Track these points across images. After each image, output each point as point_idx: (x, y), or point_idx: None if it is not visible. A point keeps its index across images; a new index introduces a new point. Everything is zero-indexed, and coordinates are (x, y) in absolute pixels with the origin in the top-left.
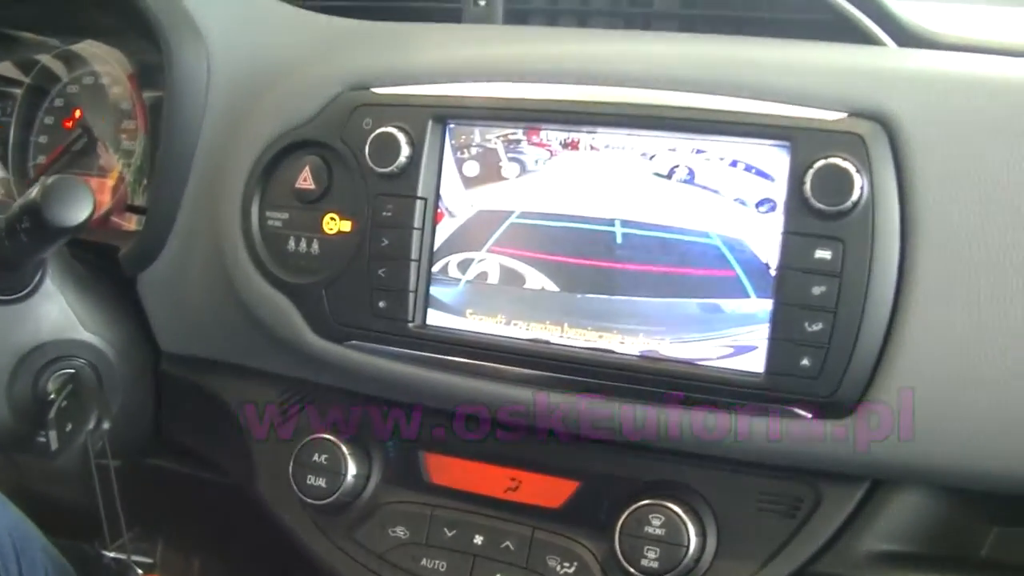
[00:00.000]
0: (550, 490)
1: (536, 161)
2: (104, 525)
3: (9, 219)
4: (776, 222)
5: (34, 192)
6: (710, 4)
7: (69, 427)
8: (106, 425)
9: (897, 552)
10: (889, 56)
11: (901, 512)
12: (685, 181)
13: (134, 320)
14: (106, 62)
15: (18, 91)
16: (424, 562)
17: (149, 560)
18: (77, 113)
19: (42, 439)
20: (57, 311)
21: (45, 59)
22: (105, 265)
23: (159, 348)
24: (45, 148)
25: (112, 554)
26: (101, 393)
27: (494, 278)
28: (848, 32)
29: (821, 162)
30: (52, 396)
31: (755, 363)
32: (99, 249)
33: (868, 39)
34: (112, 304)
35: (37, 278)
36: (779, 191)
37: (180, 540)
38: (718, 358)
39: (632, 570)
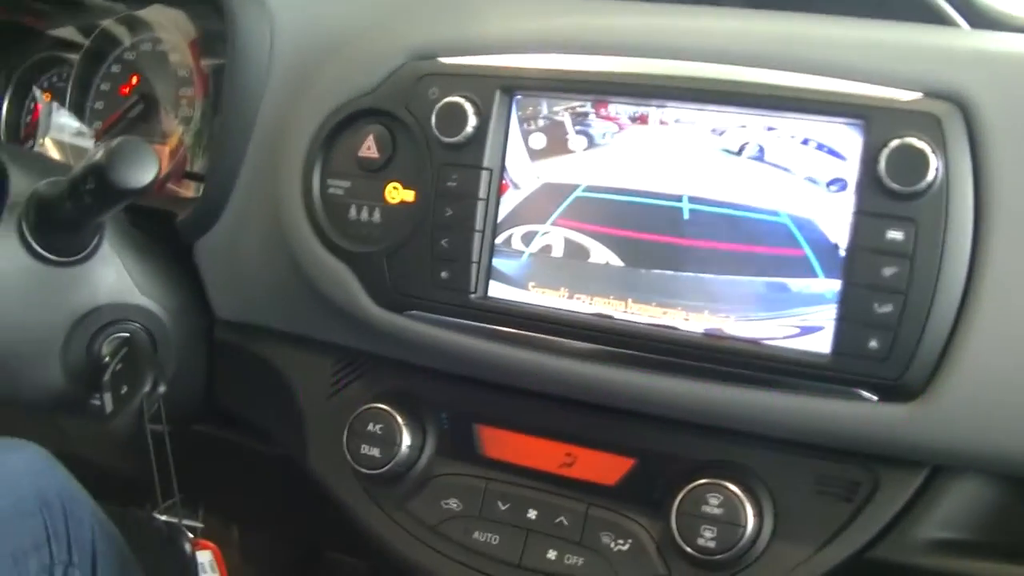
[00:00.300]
0: (605, 467)
1: (604, 135)
2: (156, 489)
3: (73, 180)
4: (847, 202)
5: (99, 153)
6: None
7: (124, 390)
8: (161, 389)
9: (955, 540)
10: (964, 37)
11: (960, 500)
12: (755, 158)
13: (190, 286)
14: (167, 28)
15: (75, 56)
16: (477, 535)
17: (199, 524)
18: (134, 79)
19: (96, 402)
20: (114, 275)
21: (106, 24)
22: (162, 231)
23: (214, 315)
24: (102, 114)
25: (164, 517)
26: (155, 357)
27: (558, 251)
28: (921, 12)
29: (896, 142)
30: (107, 359)
31: (821, 344)
32: (156, 215)
33: (941, 20)
34: (168, 270)
35: (95, 241)
36: (851, 170)
37: (221, 507)
38: (783, 338)
39: (688, 549)
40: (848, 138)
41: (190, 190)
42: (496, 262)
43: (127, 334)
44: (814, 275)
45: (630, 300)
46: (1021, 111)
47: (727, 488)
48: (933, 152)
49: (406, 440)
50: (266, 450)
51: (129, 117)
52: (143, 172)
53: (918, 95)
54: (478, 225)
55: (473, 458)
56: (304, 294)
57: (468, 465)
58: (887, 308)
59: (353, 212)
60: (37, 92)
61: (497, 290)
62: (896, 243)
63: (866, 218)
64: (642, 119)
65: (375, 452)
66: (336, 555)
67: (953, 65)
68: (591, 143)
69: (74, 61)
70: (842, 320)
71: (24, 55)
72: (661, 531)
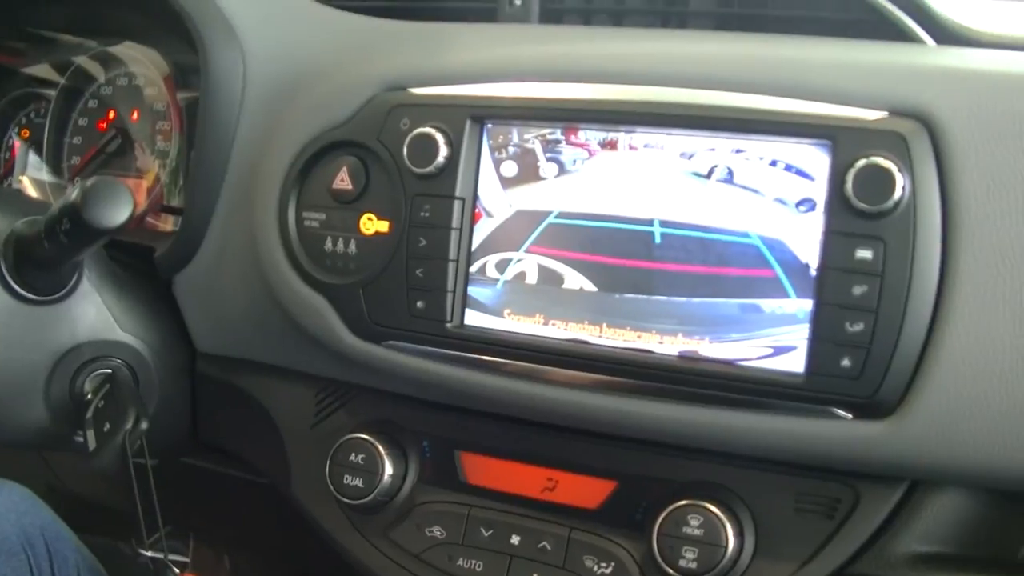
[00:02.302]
0: (587, 490)
1: (574, 161)
2: (141, 525)
3: (48, 220)
4: (816, 222)
5: (73, 193)
6: (747, 3)
7: (107, 427)
8: (144, 425)
9: (935, 554)
10: (929, 54)
11: (939, 513)
12: (724, 181)
13: (170, 321)
14: (141, 63)
15: (52, 92)
16: (460, 562)
17: (184, 559)
18: (111, 114)
19: (79, 439)
20: (94, 312)
21: (80, 60)
22: (141, 266)
23: (195, 348)
24: (79, 149)
25: (149, 553)
26: (138, 393)
27: (532, 278)
28: (886, 30)
29: (863, 161)
30: (89, 396)
31: (795, 363)
32: (135, 250)
33: (907, 37)
34: (148, 305)
35: (74, 279)
36: (819, 191)
37: (211, 539)
38: (757, 358)
39: (670, 571)
40: (816, 158)
41: (168, 224)
42: (471, 290)
43: (109, 371)
44: (786, 295)
45: (605, 325)
46: (987, 128)
47: (707, 509)
48: (899, 171)
49: (388, 469)
50: (254, 480)
51: (107, 152)
52: (117, 211)
53: (884, 114)
54: (452, 255)
55: (455, 485)
56: (283, 326)
57: (450, 492)
58: (858, 327)
59: (329, 244)
60: (14, 130)
61: (473, 318)
62: (865, 262)
63: (835, 238)
64: (612, 145)
65: (358, 482)
66: None
67: (918, 83)
68: (562, 170)
69: (51, 97)
70: (814, 340)
71: (0, 92)
72: (643, 553)
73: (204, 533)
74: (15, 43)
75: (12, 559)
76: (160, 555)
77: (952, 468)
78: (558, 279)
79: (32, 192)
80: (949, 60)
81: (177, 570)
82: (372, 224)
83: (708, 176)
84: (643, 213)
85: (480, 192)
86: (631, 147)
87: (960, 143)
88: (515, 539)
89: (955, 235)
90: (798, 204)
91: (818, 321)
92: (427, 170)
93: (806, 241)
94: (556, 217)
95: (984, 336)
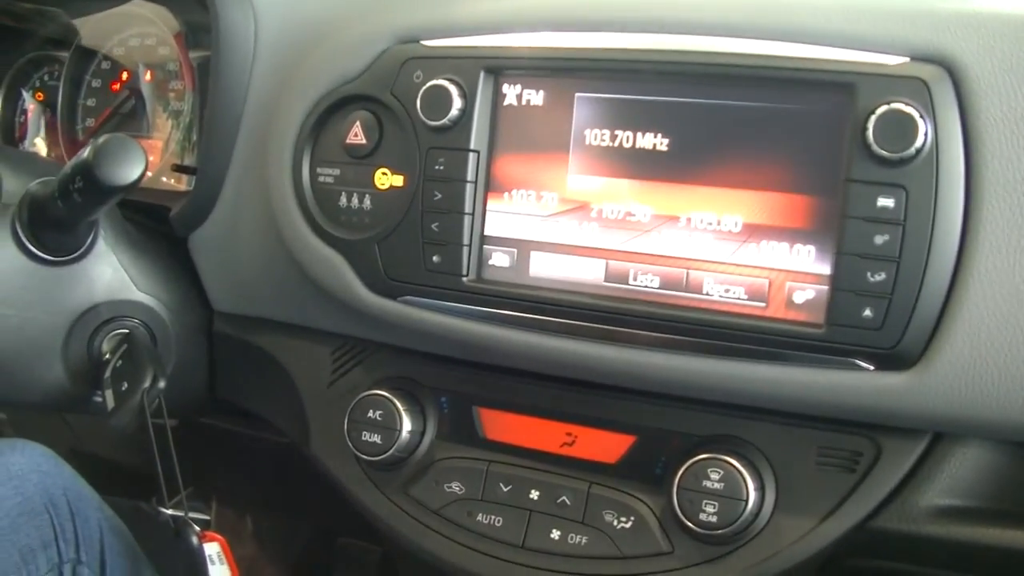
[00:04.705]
0: (606, 445)
1: (592, 112)
2: (161, 484)
3: (62, 179)
4: (837, 170)
5: (86, 152)
6: None
7: (124, 386)
8: (161, 384)
9: (958, 507)
10: None
11: (963, 466)
12: (743, 128)
13: (186, 280)
14: (152, 22)
15: (66, 54)
16: (480, 517)
17: (206, 517)
18: (124, 75)
19: (98, 399)
20: (110, 272)
21: (91, 20)
22: (157, 226)
23: (212, 308)
24: (94, 111)
25: (170, 512)
26: (155, 353)
27: (550, 231)
28: None
29: (884, 108)
30: (107, 356)
31: (816, 314)
32: (150, 210)
33: None
34: (165, 264)
35: (90, 239)
36: (840, 138)
37: (234, 499)
38: (778, 310)
39: (690, 524)
40: (836, 105)
41: (183, 183)
42: (487, 244)
43: (126, 331)
44: (806, 245)
45: (623, 278)
46: (1010, 72)
47: (727, 463)
48: (921, 117)
49: (406, 425)
50: (274, 439)
51: (121, 113)
52: (130, 168)
53: (905, 59)
54: (467, 208)
55: (474, 441)
56: (299, 283)
57: (469, 448)
58: (880, 276)
59: (344, 200)
60: (26, 93)
61: (489, 272)
62: (887, 210)
63: (856, 186)
64: (631, 93)
65: (376, 439)
66: (349, 540)
67: (939, 27)
68: (579, 122)
69: (64, 60)
70: (836, 290)
71: (15, 55)
72: (663, 507)
73: (226, 493)
74: (21, 5)
75: (35, 519)
76: (181, 513)
77: (975, 420)
78: (576, 233)
79: (47, 154)
80: (971, 4)
81: (198, 528)
82: (387, 178)
83: (727, 124)
84: (659, 168)
85: (498, 144)
86: (651, 95)
87: (983, 88)
88: (534, 494)
89: (978, 182)
90: (818, 152)
91: (839, 271)
92: (441, 122)
93: (827, 190)
94: (574, 171)
95: (1008, 285)
